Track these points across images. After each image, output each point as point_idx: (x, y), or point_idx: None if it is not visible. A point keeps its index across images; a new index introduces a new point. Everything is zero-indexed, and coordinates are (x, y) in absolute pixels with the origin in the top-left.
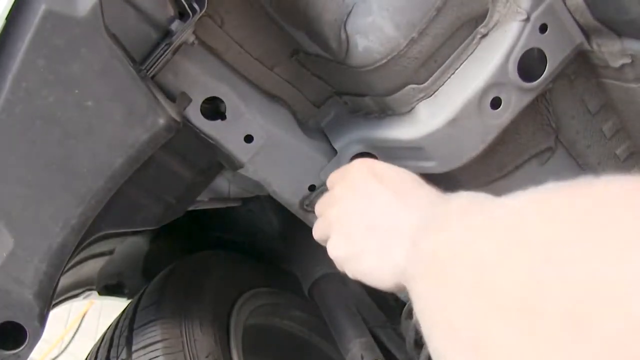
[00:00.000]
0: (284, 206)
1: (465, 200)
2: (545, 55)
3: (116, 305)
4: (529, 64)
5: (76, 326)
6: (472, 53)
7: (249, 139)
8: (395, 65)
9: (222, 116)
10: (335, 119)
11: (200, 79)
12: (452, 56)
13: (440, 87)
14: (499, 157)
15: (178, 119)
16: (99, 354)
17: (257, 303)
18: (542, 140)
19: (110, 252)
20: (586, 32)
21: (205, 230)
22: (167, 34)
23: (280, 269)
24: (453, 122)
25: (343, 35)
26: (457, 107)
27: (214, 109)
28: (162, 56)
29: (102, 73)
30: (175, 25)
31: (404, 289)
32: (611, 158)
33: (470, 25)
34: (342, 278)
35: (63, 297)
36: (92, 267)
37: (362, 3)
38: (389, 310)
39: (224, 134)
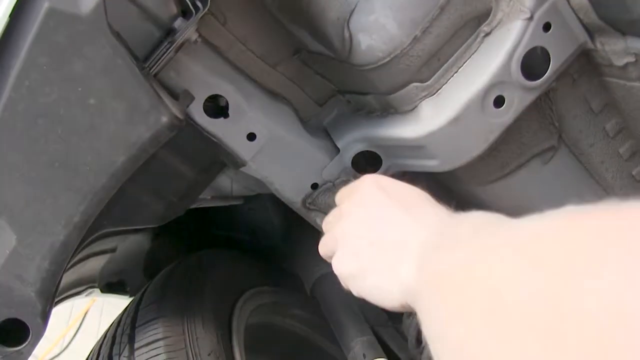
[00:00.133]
0: (286, 204)
1: (478, 220)
2: (548, 54)
3: (118, 304)
4: (532, 63)
5: (78, 324)
6: (475, 51)
7: (251, 137)
8: (398, 64)
9: (224, 114)
10: (338, 117)
11: (202, 77)
12: (455, 55)
13: (443, 85)
14: (501, 155)
15: (181, 117)
16: (102, 352)
17: (258, 302)
18: (544, 139)
19: (112, 250)
20: (590, 31)
21: (207, 228)
22: (170, 32)
23: (282, 267)
24: (456, 121)
25: (346, 34)
26: (460, 105)
27: (216, 107)
28: (165, 54)
29: (105, 71)
30: (178, 23)
31: (409, 309)
32: (614, 157)
33: (474, 24)
34: None
35: (65, 295)
36: (94, 265)
37: (365, 1)
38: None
39: (227, 132)
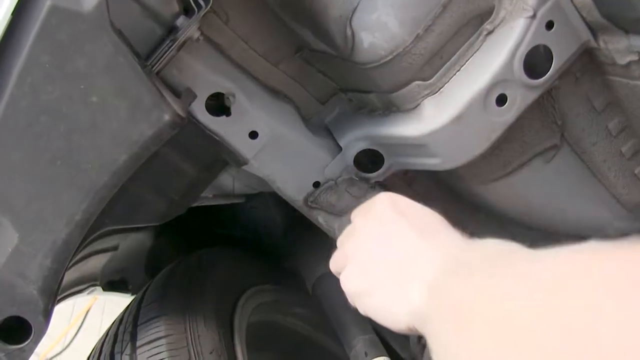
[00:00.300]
0: (288, 203)
1: (494, 248)
2: (551, 53)
3: (120, 302)
4: (535, 61)
5: (80, 322)
6: (477, 50)
7: (253, 135)
8: (400, 62)
9: (226, 112)
10: (340, 115)
11: (205, 75)
12: (457, 53)
13: (445, 84)
14: (503, 154)
15: (183, 115)
16: (104, 350)
17: (260, 300)
18: (547, 137)
19: (114, 249)
20: (593, 29)
21: (209, 227)
22: (172, 30)
23: (284, 266)
24: (458, 119)
25: (348, 32)
26: (462, 104)
27: (218, 105)
28: (167, 52)
29: (107, 68)
30: (180, 21)
31: (415, 332)
32: (617, 156)
33: (476, 22)
34: None
35: (67, 293)
36: (95, 263)
37: None
38: None
39: (229, 130)
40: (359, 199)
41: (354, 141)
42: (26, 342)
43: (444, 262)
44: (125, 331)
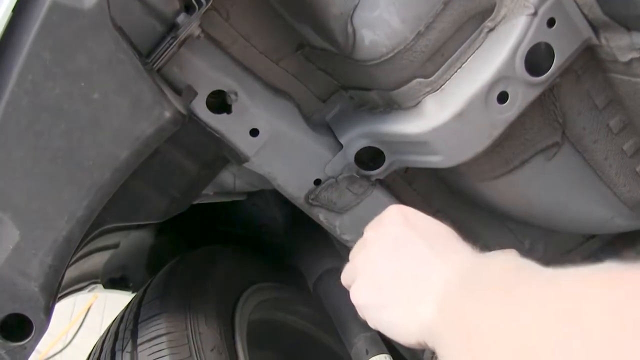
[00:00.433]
0: (289, 200)
1: (506, 265)
2: (552, 50)
3: (121, 299)
4: (536, 59)
5: (81, 320)
6: (479, 47)
7: (254, 132)
8: (401, 59)
9: (227, 110)
10: (341, 113)
11: (206, 73)
12: (459, 50)
13: (446, 81)
14: (505, 152)
15: (184, 112)
16: (104, 347)
17: (261, 297)
18: (548, 135)
19: (115, 246)
20: (594, 27)
21: (210, 224)
22: (173, 27)
23: (285, 263)
24: (459, 117)
25: (349, 29)
26: (463, 101)
27: (219, 102)
28: (168, 49)
29: (108, 66)
30: (181, 19)
31: (425, 346)
32: (618, 153)
33: (478, 19)
34: None
35: (68, 290)
36: (96, 261)
37: None
38: None
39: (230, 127)
40: (360, 197)
41: (355, 139)
42: (27, 340)
43: (454, 277)
44: (126, 329)
